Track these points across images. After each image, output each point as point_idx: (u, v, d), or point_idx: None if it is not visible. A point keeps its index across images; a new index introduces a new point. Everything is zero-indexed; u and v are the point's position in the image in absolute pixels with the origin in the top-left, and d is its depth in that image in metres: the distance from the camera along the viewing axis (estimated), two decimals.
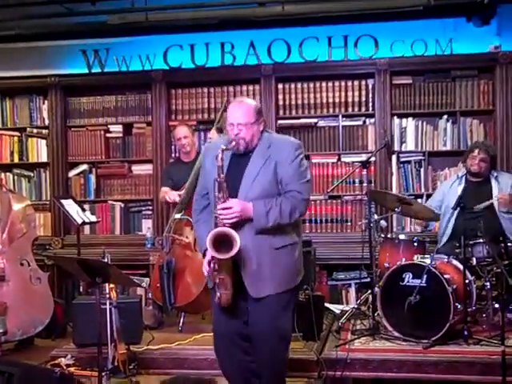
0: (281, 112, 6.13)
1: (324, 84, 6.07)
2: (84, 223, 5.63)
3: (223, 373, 3.64)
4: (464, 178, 5.27)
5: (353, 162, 5.99)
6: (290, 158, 3.38)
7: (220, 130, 5.27)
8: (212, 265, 3.35)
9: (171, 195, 5.18)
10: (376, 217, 5.18)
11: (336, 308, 5.50)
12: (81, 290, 6.01)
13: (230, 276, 3.34)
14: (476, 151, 5.14)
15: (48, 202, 6.45)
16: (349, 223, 6.04)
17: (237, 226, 3.31)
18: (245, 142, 3.37)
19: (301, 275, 3.54)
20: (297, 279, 3.51)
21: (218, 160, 3.29)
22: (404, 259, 4.69)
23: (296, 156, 3.40)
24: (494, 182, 5.17)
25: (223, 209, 3.28)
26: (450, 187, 5.31)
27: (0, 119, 6.60)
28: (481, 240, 4.64)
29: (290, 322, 3.61)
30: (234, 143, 3.36)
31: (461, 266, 4.55)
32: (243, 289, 3.38)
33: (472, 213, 4.80)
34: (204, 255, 3.45)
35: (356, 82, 6.04)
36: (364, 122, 6.08)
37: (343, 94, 6.06)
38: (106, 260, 4.05)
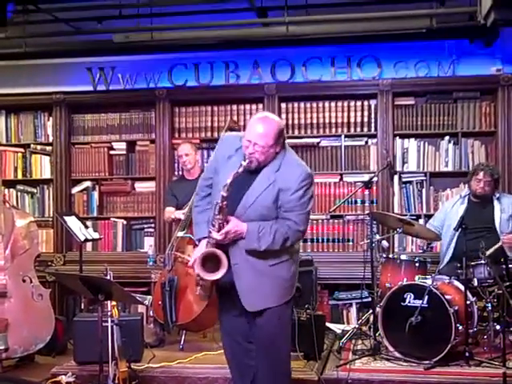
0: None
1: (327, 104, 6.12)
2: (86, 240, 5.65)
3: (230, 370, 3.72)
4: (467, 199, 5.29)
5: (355, 182, 6.02)
6: (293, 188, 3.31)
7: None
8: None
9: (177, 214, 5.22)
10: (378, 237, 5.20)
11: (337, 328, 5.49)
12: (82, 307, 6.01)
13: (210, 285, 3.43)
14: (481, 174, 5.14)
15: (51, 219, 6.47)
16: (350, 243, 6.05)
17: (231, 242, 3.34)
18: (257, 161, 3.32)
19: (294, 287, 3.53)
20: (291, 292, 3.49)
21: (225, 189, 3.25)
22: (405, 279, 4.71)
23: (300, 187, 3.32)
24: (496, 203, 5.19)
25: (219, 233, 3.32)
26: (451, 207, 5.33)
27: (4, 135, 6.64)
28: (482, 261, 4.65)
29: (287, 336, 3.59)
30: (247, 161, 3.30)
31: (462, 287, 4.56)
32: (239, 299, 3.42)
33: (473, 233, 4.81)
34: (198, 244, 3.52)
35: (359, 103, 6.09)
36: (366, 142, 6.11)
37: (346, 114, 6.10)
38: (108, 277, 4.05)
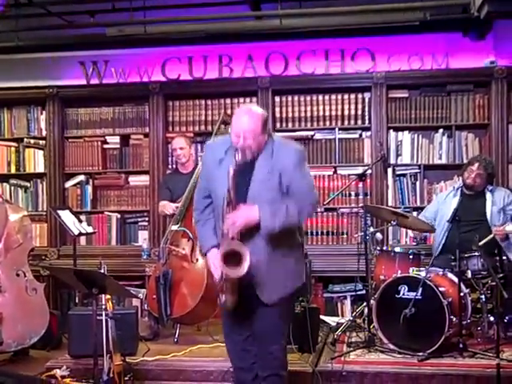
0: (277, 125, 6.15)
1: (321, 97, 6.11)
2: (80, 234, 5.64)
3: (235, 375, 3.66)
4: (460, 191, 5.30)
5: (349, 175, 6.03)
6: (292, 165, 3.35)
7: None
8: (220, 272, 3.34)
9: (169, 208, 5.21)
10: (372, 229, 5.20)
11: (331, 320, 5.50)
12: (76, 300, 6.00)
13: (236, 283, 3.34)
14: (476, 165, 5.15)
15: (44, 213, 6.46)
16: (345, 236, 6.06)
17: (247, 235, 3.30)
18: (251, 151, 3.34)
19: (303, 276, 3.58)
20: (297, 284, 3.50)
21: (230, 178, 3.25)
22: (399, 272, 4.72)
23: (300, 161, 3.39)
24: (488, 196, 5.21)
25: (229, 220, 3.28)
26: (444, 199, 5.34)
27: None
28: (476, 253, 4.66)
29: (288, 321, 3.61)
30: (240, 154, 3.31)
31: (456, 279, 4.57)
32: (252, 293, 3.38)
33: (465, 226, 4.82)
34: (205, 255, 3.50)
35: (352, 96, 6.09)
36: (360, 135, 6.12)
37: (340, 107, 6.10)
38: (102, 271, 4.05)
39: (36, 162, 6.56)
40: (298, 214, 3.34)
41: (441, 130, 5.99)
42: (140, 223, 6.45)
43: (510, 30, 5.80)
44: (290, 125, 6.17)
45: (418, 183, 6.02)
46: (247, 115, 3.35)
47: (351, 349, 4.67)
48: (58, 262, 6.21)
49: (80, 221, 5.71)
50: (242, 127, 3.31)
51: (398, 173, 6.04)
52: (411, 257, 4.94)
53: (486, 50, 5.91)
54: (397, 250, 5.08)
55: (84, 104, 6.49)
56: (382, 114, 5.94)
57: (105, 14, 5.84)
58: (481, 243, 4.58)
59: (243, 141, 3.30)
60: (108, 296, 4.16)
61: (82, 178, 6.49)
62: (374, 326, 4.70)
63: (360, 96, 6.08)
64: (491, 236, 4.85)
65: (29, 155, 6.56)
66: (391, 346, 4.56)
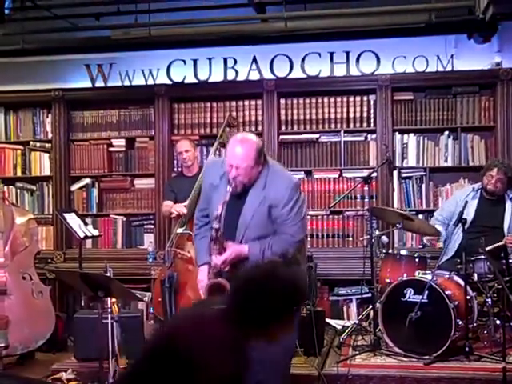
0: (283, 127, 6.15)
1: (326, 99, 6.10)
2: (86, 237, 5.64)
3: None
4: (479, 193, 5.22)
5: (354, 178, 6.00)
6: (282, 202, 3.38)
7: (223, 145, 5.30)
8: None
9: (177, 208, 5.19)
10: (377, 232, 5.19)
11: (337, 323, 5.50)
12: (82, 304, 6.01)
13: None
14: (495, 170, 5.06)
15: (50, 216, 6.46)
16: (350, 239, 6.04)
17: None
18: (242, 184, 3.40)
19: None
20: None
21: (216, 221, 3.36)
22: (405, 275, 4.71)
23: (289, 200, 3.38)
24: (508, 203, 5.12)
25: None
26: (464, 200, 5.22)
27: (3, 133, 6.62)
28: (482, 256, 4.64)
29: (294, 337, 3.55)
30: (232, 185, 3.38)
31: (462, 282, 4.56)
32: None
33: (480, 232, 4.79)
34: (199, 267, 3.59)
35: (358, 98, 6.07)
36: (365, 137, 6.10)
37: (345, 109, 6.09)
38: (108, 274, 4.05)
39: (42, 165, 6.56)
40: (281, 251, 3.36)
41: (446, 133, 5.97)
42: (146, 226, 6.44)
43: None
44: (295, 127, 6.16)
45: (423, 186, 5.99)
46: (241, 146, 3.35)
47: (357, 352, 4.66)
48: (64, 265, 6.21)
49: (86, 224, 5.71)
50: (235, 159, 3.34)
51: (403, 175, 6.02)
52: (417, 260, 4.94)
53: (492, 51, 5.88)
54: (402, 252, 5.08)
55: (89, 107, 6.50)
56: (388, 117, 5.93)
57: (110, 17, 5.84)
58: (488, 248, 4.55)
59: (235, 173, 3.34)
60: (113, 299, 4.17)
61: (87, 181, 6.49)
62: (379, 330, 4.69)
63: (365, 98, 6.07)
64: (501, 243, 4.79)
65: (35, 158, 6.57)
66: (397, 350, 4.55)
